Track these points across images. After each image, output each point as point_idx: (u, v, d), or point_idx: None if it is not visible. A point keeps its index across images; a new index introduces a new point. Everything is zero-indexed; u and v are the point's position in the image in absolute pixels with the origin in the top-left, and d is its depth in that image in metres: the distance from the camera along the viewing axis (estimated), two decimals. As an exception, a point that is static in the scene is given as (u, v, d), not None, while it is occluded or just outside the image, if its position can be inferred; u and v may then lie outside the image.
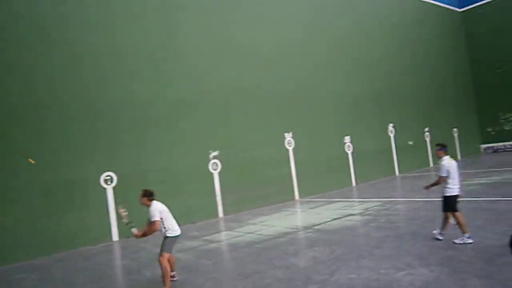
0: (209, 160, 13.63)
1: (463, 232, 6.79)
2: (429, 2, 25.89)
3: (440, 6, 27.05)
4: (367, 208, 11.70)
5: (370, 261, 6.38)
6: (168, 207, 6.36)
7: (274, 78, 15.95)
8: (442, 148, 7.37)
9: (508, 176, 14.67)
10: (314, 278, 5.89)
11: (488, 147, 28.22)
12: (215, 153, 13.75)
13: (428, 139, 23.31)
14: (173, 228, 6.26)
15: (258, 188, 14.69)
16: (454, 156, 24.59)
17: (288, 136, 16.08)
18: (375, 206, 11.92)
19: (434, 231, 7.40)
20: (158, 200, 6.31)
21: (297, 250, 8.02)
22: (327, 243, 8.06)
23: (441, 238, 7.15)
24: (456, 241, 6.79)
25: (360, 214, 11.12)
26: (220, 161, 13.84)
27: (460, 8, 29.08)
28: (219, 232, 11.09)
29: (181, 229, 6.40)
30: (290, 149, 16.10)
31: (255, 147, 14.88)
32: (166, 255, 6.10)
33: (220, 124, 14.06)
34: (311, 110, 17.10)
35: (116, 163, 11.65)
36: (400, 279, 5.38)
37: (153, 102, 12.57)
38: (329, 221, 10.47)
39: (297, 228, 10.22)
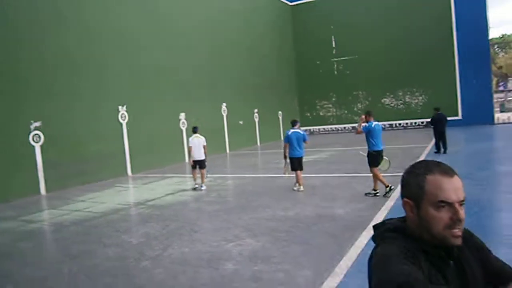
0: (29, 131, 12.17)
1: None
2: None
3: (273, -3, 29.12)
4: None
5: (202, 235, 6.72)
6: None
7: (109, 50, 14.97)
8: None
9: (321, 155, 16.99)
10: (147, 254, 5.94)
11: (306, 130, 32.11)
12: (37, 124, 12.33)
13: (257, 120, 25.23)
14: None
15: (88, 163, 13.77)
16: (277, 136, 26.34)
17: (122, 110, 15.42)
18: (207, 181, 12.42)
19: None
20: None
21: (130, 226, 7.92)
22: (160, 218, 8.14)
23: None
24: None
25: (193, 189, 11.51)
26: (43, 133, 12.49)
27: (291, 2, 31.78)
28: (41, 211, 10.12)
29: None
30: (124, 123, 15.48)
31: (83, 120, 13.81)
32: None
33: (43, 94, 12.61)
34: (147, 85, 16.64)
35: None
36: (230, 250, 5.83)
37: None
38: (162, 196, 10.55)
39: (129, 204, 10.04)
